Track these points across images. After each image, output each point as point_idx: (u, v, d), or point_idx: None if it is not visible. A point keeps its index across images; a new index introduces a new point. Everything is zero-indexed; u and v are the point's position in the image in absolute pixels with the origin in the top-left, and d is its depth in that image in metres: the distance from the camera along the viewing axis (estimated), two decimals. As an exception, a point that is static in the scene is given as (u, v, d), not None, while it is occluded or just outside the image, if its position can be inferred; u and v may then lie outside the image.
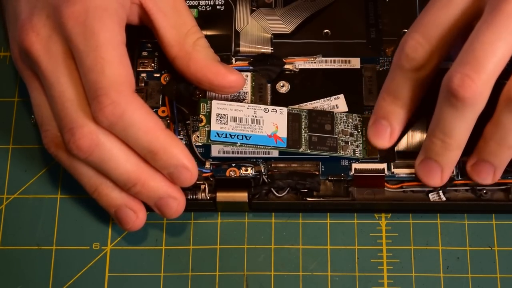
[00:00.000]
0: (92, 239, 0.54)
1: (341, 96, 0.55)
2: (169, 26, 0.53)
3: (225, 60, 0.56)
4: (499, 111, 0.47)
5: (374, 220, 0.54)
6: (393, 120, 0.50)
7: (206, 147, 0.54)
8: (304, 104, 0.55)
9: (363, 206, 0.53)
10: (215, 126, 0.53)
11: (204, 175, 0.53)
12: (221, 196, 0.53)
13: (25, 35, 0.50)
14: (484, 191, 0.53)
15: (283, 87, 0.56)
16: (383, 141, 0.51)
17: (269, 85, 0.56)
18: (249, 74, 0.56)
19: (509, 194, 0.53)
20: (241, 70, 0.55)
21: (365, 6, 0.58)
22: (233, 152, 0.53)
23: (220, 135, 0.52)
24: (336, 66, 0.56)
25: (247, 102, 0.55)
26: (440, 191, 0.53)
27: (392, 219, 0.54)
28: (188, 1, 0.58)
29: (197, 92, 0.55)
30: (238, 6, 0.58)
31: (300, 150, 0.53)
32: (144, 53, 0.57)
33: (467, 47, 0.46)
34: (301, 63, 0.56)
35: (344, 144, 0.53)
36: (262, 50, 0.57)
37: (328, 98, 0.55)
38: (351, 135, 0.54)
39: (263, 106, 0.53)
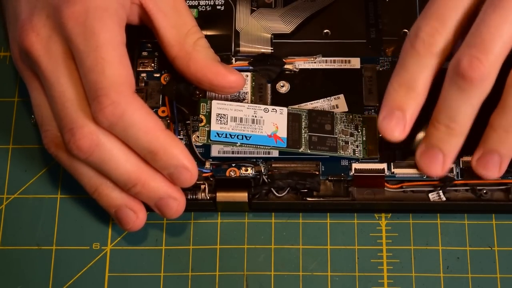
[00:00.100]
0: (92, 239, 0.54)
1: (341, 96, 0.55)
2: (169, 26, 0.53)
3: (225, 60, 0.56)
4: (506, 95, 0.47)
5: (374, 220, 0.54)
6: (406, 112, 0.49)
7: (206, 147, 0.54)
8: (304, 104, 0.55)
9: (363, 206, 0.53)
10: (215, 126, 0.52)
11: (204, 175, 0.53)
12: (221, 196, 0.53)
13: (25, 35, 0.50)
14: (484, 191, 0.53)
15: (283, 87, 0.56)
16: (398, 133, 0.49)
17: (269, 85, 0.56)
18: (249, 74, 0.56)
19: (509, 194, 0.53)
20: (241, 70, 0.55)
21: (365, 6, 0.58)
22: (233, 152, 0.53)
23: (220, 135, 0.52)
24: (336, 66, 0.56)
25: (247, 102, 0.55)
26: (440, 191, 0.53)
27: (392, 219, 0.54)
28: (188, 1, 0.58)
29: (197, 92, 0.55)
30: (238, 6, 0.58)
31: (300, 150, 0.53)
32: (144, 53, 0.57)
33: (474, 30, 0.46)
34: (301, 63, 0.56)
35: (344, 144, 0.53)
36: (262, 50, 0.57)
37: (328, 98, 0.55)
38: (351, 135, 0.54)
39: (263, 106, 0.53)
